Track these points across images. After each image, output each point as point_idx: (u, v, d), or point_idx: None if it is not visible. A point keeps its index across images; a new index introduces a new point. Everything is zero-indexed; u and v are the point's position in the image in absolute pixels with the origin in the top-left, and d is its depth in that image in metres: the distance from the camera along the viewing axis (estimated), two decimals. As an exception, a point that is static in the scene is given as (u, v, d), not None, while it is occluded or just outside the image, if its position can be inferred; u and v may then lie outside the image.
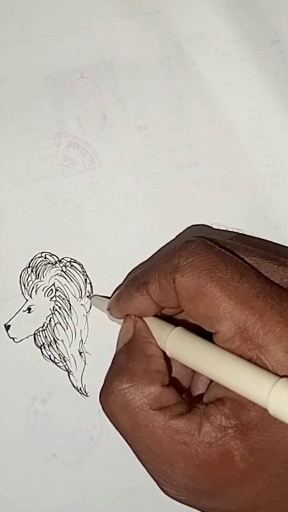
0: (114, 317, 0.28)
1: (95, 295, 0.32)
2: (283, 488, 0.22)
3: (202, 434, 0.23)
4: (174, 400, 0.24)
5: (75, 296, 0.32)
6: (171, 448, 0.23)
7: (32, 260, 0.32)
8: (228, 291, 0.23)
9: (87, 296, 0.32)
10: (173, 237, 0.33)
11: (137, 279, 0.26)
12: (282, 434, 0.22)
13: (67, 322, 0.32)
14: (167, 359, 0.26)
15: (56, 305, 0.32)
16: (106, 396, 0.25)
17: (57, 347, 0.32)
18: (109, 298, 0.30)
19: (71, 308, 0.32)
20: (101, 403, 0.25)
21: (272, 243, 0.33)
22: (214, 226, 0.33)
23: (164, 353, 0.25)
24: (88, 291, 0.32)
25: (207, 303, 0.23)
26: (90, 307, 0.32)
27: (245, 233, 0.33)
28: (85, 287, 0.32)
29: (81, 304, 0.32)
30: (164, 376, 0.25)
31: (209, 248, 0.24)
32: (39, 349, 0.32)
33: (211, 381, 0.24)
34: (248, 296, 0.23)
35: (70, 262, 0.32)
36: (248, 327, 0.22)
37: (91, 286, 0.32)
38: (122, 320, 0.27)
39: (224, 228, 0.33)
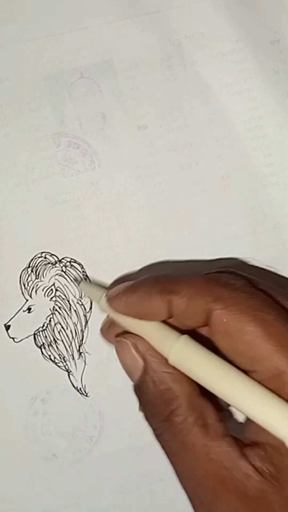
0: (116, 310, 0.27)
1: (84, 281, 0.31)
2: None
3: (241, 463, 0.22)
4: (214, 417, 0.24)
5: (75, 296, 0.32)
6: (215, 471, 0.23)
7: (32, 260, 0.32)
8: (270, 333, 0.23)
9: (76, 285, 0.32)
10: (173, 236, 0.33)
11: (162, 283, 0.26)
12: None
13: (67, 322, 0.32)
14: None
15: (56, 305, 0.32)
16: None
17: (57, 347, 0.32)
18: (100, 286, 0.29)
19: (71, 308, 0.32)
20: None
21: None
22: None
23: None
24: (88, 291, 0.32)
25: (248, 341, 0.23)
26: (90, 307, 0.32)
27: (245, 233, 0.33)
28: (85, 287, 0.32)
29: (81, 304, 0.32)
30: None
31: (253, 288, 0.25)
32: (39, 349, 0.32)
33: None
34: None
35: (70, 262, 0.32)
36: (286, 372, 0.22)
37: (91, 286, 0.32)
38: (110, 311, 0.27)
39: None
